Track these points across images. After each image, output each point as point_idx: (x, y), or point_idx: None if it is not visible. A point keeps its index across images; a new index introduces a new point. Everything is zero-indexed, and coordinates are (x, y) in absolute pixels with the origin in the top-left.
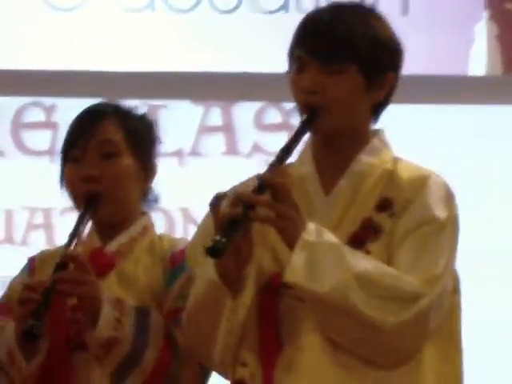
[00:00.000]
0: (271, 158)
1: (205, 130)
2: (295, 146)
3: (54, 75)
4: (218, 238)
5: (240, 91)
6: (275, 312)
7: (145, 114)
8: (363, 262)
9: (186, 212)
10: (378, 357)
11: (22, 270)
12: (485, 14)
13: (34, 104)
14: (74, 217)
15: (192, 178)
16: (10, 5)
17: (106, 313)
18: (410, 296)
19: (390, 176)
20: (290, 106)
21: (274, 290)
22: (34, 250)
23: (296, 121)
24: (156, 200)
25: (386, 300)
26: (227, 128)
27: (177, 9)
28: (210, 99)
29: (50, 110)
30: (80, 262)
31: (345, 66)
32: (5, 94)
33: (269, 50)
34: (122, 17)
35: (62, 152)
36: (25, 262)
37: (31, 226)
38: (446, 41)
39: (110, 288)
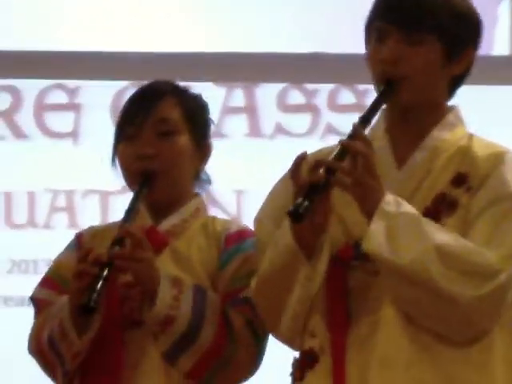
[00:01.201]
0: (293, 140)
1: (228, 111)
2: (373, 116)
3: (77, 57)
4: (299, 201)
5: (262, 72)
6: (344, 285)
7: (199, 94)
8: (443, 235)
9: (208, 193)
10: (452, 331)
11: (69, 246)
12: None
13: (57, 86)
14: (95, 199)
15: (215, 159)
16: None
17: (164, 291)
18: (489, 271)
19: (465, 152)
20: (312, 86)
21: (343, 261)
22: (56, 233)
23: (318, 101)
24: (209, 181)
25: (464, 274)
26: (250, 109)
27: None
28: (232, 80)
29: (73, 92)
30: (138, 239)
31: (425, 36)
32: (27, 76)
33: (291, 31)
34: None
35: (116, 129)
36: (47, 244)
37: (54, 209)
38: None
39: (164, 266)
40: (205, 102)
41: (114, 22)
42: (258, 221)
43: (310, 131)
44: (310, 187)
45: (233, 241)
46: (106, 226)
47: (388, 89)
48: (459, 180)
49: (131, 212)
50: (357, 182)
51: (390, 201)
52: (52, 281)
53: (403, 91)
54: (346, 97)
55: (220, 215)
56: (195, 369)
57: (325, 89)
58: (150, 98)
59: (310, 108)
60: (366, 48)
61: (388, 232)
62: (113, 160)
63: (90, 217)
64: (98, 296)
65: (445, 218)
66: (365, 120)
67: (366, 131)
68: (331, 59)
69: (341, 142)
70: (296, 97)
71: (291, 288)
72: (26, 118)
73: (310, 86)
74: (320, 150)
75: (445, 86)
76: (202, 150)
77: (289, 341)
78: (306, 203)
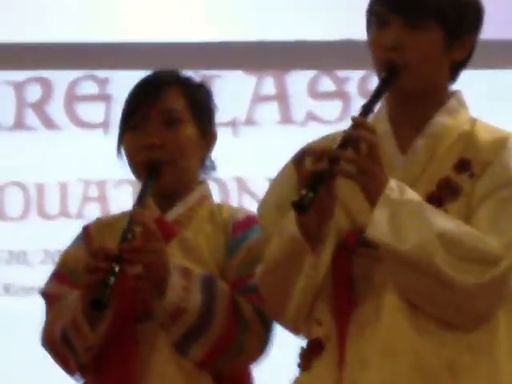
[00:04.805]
0: (324, 127)
1: (258, 99)
2: (376, 103)
3: (107, 48)
4: (304, 192)
5: (293, 60)
6: (349, 271)
7: (203, 81)
8: (446, 222)
9: (240, 181)
10: (454, 317)
11: (76, 238)
12: None
13: (88, 77)
14: (127, 189)
15: (246, 147)
16: None
17: (174, 282)
18: (491, 258)
19: (468, 137)
20: (343, 74)
21: (348, 248)
22: None
23: (349, 88)
24: (213, 167)
25: (467, 261)
26: (281, 97)
27: None
28: (262, 69)
29: (103, 83)
30: (150, 230)
31: (427, 22)
32: (58, 67)
33: (321, 19)
34: None
35: (121, 119)
36: None
37: (86, 199)
38: None
39: (173, 256)
40: (209, 89)
41: (145, 12)
42: (261, 209)
43: (341, 118)
44: (314, 177)
45: (240, 228)
46: (112, 217)
47: (390, 75)
48: (462, 166)
49: (141, 202)
50: (361, 169)
51: (394, 187)
52: (62, 275)
53: (405, 77)
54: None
55: (252, 203)
56: (206, 358)
57: (355, 76)
58: (155, 88)
59: (340, 95)
60: (367, 33)
61: (391, 219)
62: (118, 150)
63: (122, 206)
64: (109, 292)
65: (448, 204)
66: (367, 108)
67: (369, 119)
68: (361, 46)
69: (344, 132)
70: (327, 84)
71: (296, 278)
72: (56, 108)
73: (340, 73)
74: (326, 136)
75: (446, 72)
76: (207, 137)
77: (294, 329)
78: (311, 194)
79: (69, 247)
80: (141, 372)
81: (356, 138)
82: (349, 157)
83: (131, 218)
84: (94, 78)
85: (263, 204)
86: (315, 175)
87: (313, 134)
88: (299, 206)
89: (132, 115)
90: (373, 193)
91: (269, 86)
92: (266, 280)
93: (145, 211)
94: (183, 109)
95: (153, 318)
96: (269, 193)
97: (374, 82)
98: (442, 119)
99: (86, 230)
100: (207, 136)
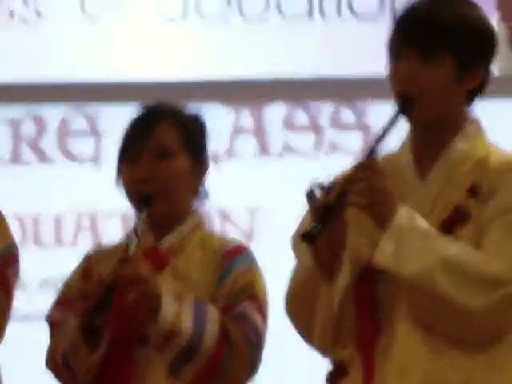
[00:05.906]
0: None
1: (236, 132)
2: (387, 133)
3: (96, 85)
4: (312, 225)
5: (269, 95)
6: (372, 297)
7: (197, 113)
8: (451, 246)
9: (222, 212)
10: (466, 338)
11: (79, 266)
12: (496, 15)
13: (79, 113)
14: (117, 220)
15: (227, 178)
16: (51, 17)
17: (167, 308)
18: (497, 280)
19: (483, 163)
20: (315, 107)
21: (370, 275)
22: (82, 251)
23: (322, 121)
24: (206, 195)
25: (472, 282)
26: (258, 130)
27: (208, 18)
28: (240, 104)
29: (93, 119)
30: (138, 274)
31: (438, 54)
32: (50, 103)
33: (294, 56)
34: (159, 27)
35: (119, 152)
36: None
37: (78, 230)
38: None
39: (166, 283)
40: (202, 119)
41: (131, 50)
42: (293, 240)
43: (316, 148)
44: (322, 210)
45: (228, 259)
46: (112, 246)
47: (403, 107)
48: (473, 191)
49: (131, 240)
50: (369, 200)
51: (403, 215)
52: (65, 300)
53: (418, 108)
54: (347, 115)
55: (234, 232)
56: (196, 380)
57: (327, 109)
58: (148, 123)
59: (315, 127)
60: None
61: (397, 245)
62: (117, 181)
63: (113, 236)
64: (99, 319)
65: (459, 229)
66: (379, 138)
67: (394, 146)
68: (331, 81)
69: (347, 172)
70: (301, 117)
71: (315, 306)
72: (50, 143)
73: (313, 107)
74: (340, 175)
75: (461, 100)
76: (199, 167)
77: (322, 352)
78: (319, 226)
79: (71, 274)
80: None
81: (355, 179)
82: (356, 190)
83: (121, 255)
84: (84, 114)
85: (294, 235)
86: (323, 207)
87: (289, 164)
88: (307, 238)
89: (127, 149)
90: (382, 220)
91: (246, 119)
92: (289, 308)
93: (128, 264)
94: (176, 141)
95: (149, 342)
96: (299, 224)
97: (344, 115)
98: (459, 145)
99: (88, 257)
100: (200, 166)
